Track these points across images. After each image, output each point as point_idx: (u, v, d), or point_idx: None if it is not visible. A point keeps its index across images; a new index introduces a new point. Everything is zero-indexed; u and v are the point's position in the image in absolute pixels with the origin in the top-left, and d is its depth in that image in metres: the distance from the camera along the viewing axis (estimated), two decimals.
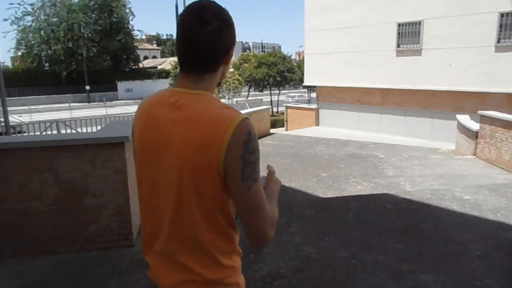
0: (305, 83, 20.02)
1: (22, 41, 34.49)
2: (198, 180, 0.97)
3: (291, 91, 37.35)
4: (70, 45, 33.62)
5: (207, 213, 1.01)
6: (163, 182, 1.03)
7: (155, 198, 1.06)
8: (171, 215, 1.03)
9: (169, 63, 39.92)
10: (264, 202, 1.01)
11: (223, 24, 1.00)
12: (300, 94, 35.12)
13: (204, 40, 0.98)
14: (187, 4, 1.13)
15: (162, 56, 59.73)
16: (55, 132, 13.33)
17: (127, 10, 37.66)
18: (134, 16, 39.72)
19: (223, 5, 1.07)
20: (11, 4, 36.48)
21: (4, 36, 51.27)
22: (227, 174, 0.96)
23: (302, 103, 24.68)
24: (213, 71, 1.05)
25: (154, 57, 58.30)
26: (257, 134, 1.01)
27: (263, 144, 12.61)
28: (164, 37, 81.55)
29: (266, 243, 1.05)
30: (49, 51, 33.94)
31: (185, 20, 0.99)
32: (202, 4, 1.00)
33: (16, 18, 34.12)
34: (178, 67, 1.08)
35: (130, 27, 38.80)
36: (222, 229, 1.04)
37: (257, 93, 32.28)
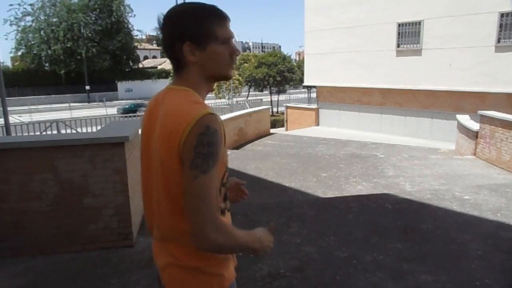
0: (305, 83, 20.01)
1: (22, 41, 34.51)
2: (166, 167, 1.06)
3: (291, 91, 37.35)
4: (70, 45, 33.62)
5: (178, 202, 1.06)
6: (152, 170, 1.14)
7: (150, 190, 1.18)
8: (155, 201, 1.14)
9: (169, 63, 39.79)
10: (209, 198, 1.01)
11: (167, 20, 1.11)
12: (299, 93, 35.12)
13: (164, 41, 1.12)
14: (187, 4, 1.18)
15: (162, 56, 59.64)
16: (55, 132, 13.33)
17: (127, 9, 37.63)
18: (134, 14, 39.72)
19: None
20: (11, 5, 36.49)
21: (6, 38, 51.44)
22: (183, 162, 1.03)
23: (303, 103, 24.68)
24: (181, 67, 1.13)
25: (154, 57, 58.29)
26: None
27: (263, 144, 12.62)
28: None
29: (205, 243, 1.01)
30: (49, 51, 33.96)
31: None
32: (169, 10, 1.14)
33: (16, 18, 34.16)
34: None
35: (130, 27, 38.79)
36: None
37: (257, 93, 32.28)
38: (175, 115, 1.04)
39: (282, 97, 32.07)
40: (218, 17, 1.12)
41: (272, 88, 28.98)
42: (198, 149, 1.00)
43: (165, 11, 1.14)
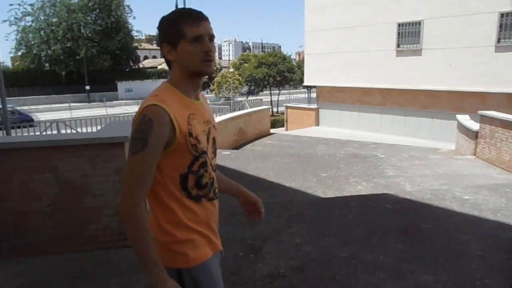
0: (305, 83, 20.01)
1: (22, 42, 34.48)
2: None
3: (291, 91, 37.32)
4: (69, 45, 33.60)
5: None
6: None
7: None
8: None
9: None
10: (132, 176, 1.16)
11: (161, 29, 1.28)
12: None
13: (159, 42, 1.31)
14: (187, 4, 1.24)
15: (162, 56, 59.61)
16: (55, 132, 13.33)
17: (127, 10, 37.61)
18: (134, 17, 39.66)
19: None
20: (11, 5, 36.42)
21: (6, 39, 51.57)
22: None
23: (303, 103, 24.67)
24: (169, 66, 1.31)
25: (154, 57, 58.25)
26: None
27: (263, 144, 12.62)
28: None
29: (124, 209, 1.15)
30: (49, 51, 33.94)
31: None
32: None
33: (16, 18, 34.14)
34: None
35: (130, 27, 38.75)
36: (161, 198, 1.23)
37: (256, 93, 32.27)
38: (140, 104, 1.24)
39: (282, 97, 32.06)
40: (189, 18, 1.23)
41: (272, 88, 28.95)
42: (132, 133, 1.17)
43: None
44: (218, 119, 11.73)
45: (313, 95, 25.10)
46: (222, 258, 1.42)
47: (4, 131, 8.58)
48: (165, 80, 1.33)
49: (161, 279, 1.14)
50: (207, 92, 32.17)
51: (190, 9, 1.28)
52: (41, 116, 23.50)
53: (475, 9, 12.99)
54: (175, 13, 1.28)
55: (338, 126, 17.75)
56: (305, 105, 21.18)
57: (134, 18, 39.56)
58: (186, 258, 1.24)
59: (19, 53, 35.67)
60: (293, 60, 38.82)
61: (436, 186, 6.04)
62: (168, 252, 1.23)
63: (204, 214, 1.29)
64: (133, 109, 27.03)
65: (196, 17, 1.24)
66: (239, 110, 17.32)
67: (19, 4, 39.06)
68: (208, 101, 1.50)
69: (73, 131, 13.74)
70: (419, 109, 15.18)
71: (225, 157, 8.29)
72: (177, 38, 1.23)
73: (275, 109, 28.85)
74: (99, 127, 12.85)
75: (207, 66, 1.25)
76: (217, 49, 6.97)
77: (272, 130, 16.24)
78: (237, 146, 11.97)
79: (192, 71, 1.26)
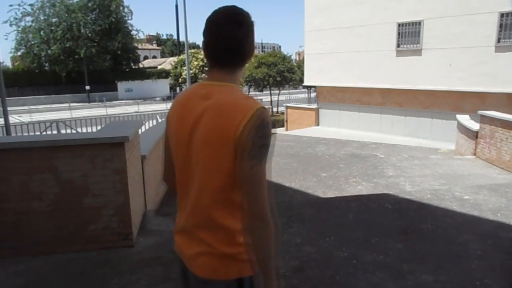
0: (305, 83, 20.00)
1: (22, 42, 34.47)
2: (220, 157, 1.12)
3: (291, 91, 37.32)
4: (69, 45, 33.59)
5: (224, 189, 1.15)
6: (192, 163, 1.19)
7: (187, 177, 1.22)
8: (194, 191, 1.19)
9: (169, 63, 39.87)
10: (264, 185, 1.12)
11: (251, 27, 1.20)
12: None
13: (239, 40, 1.17)
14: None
15: (162, 56, 59.67)
16: (55, 132, 13.33)
17: (126, 10, 37.59)
18: (132, 16, 39.60)
19: (225, 5, 1.21)
20: (10, 5, 36.38)
21: (6, 39, 51.42)
22: (237, 152, 1.10)
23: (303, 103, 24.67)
24: (241, 66, 1.23)
25: (154, 57, 58.24)
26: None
27: None
28: (164, 37, 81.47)
29: (264, 221, 1.11)
30: (48, 51, 33.92)
31: (221, 22, 1.16)
32: (236, 9, 1.19)
33: (16, 18, 34.13)
34: (208, 63, 1.24)
35: (130, 27, 38.73)
36: (235, 206, 1.17)
37: (256, 93, 32.26)
38: (232, 107, 1.12)
39: (282, 97, 32.06)
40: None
41: (272, 88, 28.95)
42: (255, 140, 1.09)
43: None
44: None
45: (313, 95, 25.10)
46: None
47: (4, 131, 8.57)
48: (203, 77, 1.30)
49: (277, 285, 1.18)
50: None
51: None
52: (41, 116, 23.49)
53: (475, 9, 12.99)
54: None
55: (338, 126, 17.76)
56: (305, 105, 21.18)
57: (132, 18, 39.39)
58: (250, 264, 1.20)
59: (19, 53, 35.66)
60: (293, 60, 38.78)
61: (436, 186, 6.04)
62: (233, 263, 1.18)
63: None
64: (133, 109, 27.04)
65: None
66: None
67: (19, 5, 39.02)
68: None
69: (73, 131, 13.74)
70: (419, 109, 15.18)
71: None
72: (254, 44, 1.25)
73: (275, 109, 28.85)
74: (99, 127, 12.85)
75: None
76: None
77: (272, 130, 16.20)
78: None
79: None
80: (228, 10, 1.18)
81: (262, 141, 1.11)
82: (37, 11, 34.60)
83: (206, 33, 1.18)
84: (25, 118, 21.24)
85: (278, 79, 27.74)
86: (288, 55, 31.88)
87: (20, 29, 34.26)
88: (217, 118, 1.12)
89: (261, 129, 1.10)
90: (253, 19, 1.22)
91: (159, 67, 42.72)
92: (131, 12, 38.30)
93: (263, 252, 1.13)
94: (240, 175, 1.11)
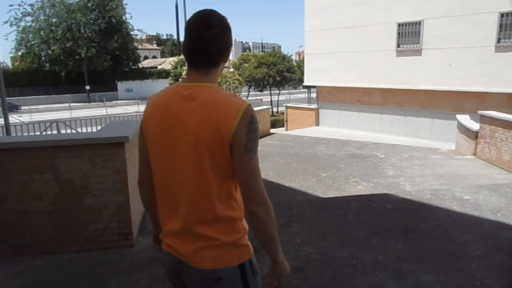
0: (305, 83, 19.99)
1: (22, 42, 34.49)
2: (215, 154, 1.17)
3: (291, 91, 37.31)
4: (69, 45, 33.62)
5: (222, 183, 1.20)
6: (180, 164, 1.21)
7: (171, 180, 1.24)
8: (191, 190, 1.20)
9: (169, 63, 39.88)
10: (260, 172, 1.22)
11: (224, 28, 1.22)
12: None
13: (211, 40, 1.20)
14: (187, 4, 1.22)
15: (162, 56, 59.71)
16: (55, 132, 13.33)
17: (124, 10, 37.60)
18: (128, 13, 39.58)
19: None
20: (10, 5, 36.42)
21: (6, 39, 51.51)
22: (233, 147, 1.16)
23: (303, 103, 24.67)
24: (217, 66, 1.26)
25: (154, 57, 58.28)
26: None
27: (263, 144, 12.61)
28: (164, 37, 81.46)
29: (266, 205, 1.21)
30: (48, 51, 33.95)
31: (194, 24, 1.20)
32: (208, 12, 1.22)
33: (16, 19, 34.15)
34: (187, 65, 1.28)
35: (130, 27, 38.74)
36: (232, 197, 1.24)
37: (256, 93, 32.26)
38: (222, 106, 1.17)
39: (282, 97, 32.05)
40: None
41: (272, 88, 28.94)
42: (249, 135, 1.17)
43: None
44: None
45: (313, 95, 25.09)
46: None
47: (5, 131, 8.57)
48: (182, 79, 1.36)
49: (283, 258, 1.35)
50: None
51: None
52: (41, 116, 23.49)
53: (475, 9, 12.98)
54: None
55: (338, 126, 17.76)
56: (305, 105, 21.17)
57: (131, 17, 39.42)
58: (249, 249, 1.30)
59: (19, 53, 35.69)
60: (293, 60, 38.76)
61: (436, 186, 6.04)
62: (234, 249, 1.25)
63: None
64: (133, 109, 27.02)
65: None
66: None
67: (19, 5, 39.10)
68: None
69: (73, 131, 13.74)
70: (419, 109, 15.18)
71: None
72: (231, 46, 1.30)
73: (275, 109, 28.84)
74: (99, 127, 12.85)
75: None
76: None
77: (272, 130, 16.24)
78: None
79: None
80: (201, 14, 1.22)
81: (254, 135, 1.19)
82: (37, 11, 34.63)
83: (184, 36, 1.24)
84: (25, 118, 21.24)
85: (278, 79, 27.75)
86: (288, 55, 31.89)
87: (20, 29, 34.30)
88: (208, 117, 1.16)
89: (252, 124, 1.18)
90: (235, 21, 1.28)
91: (159, 67, 42.75)
92: (130, 14, 38.25)
93: (273, 231, 1.24)
94: (238, 168, 1.18)
